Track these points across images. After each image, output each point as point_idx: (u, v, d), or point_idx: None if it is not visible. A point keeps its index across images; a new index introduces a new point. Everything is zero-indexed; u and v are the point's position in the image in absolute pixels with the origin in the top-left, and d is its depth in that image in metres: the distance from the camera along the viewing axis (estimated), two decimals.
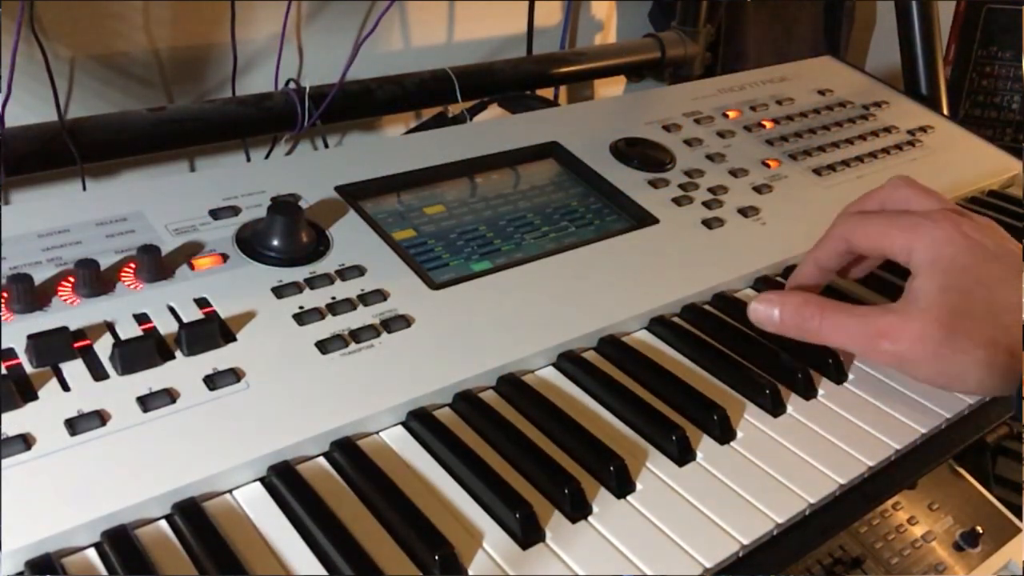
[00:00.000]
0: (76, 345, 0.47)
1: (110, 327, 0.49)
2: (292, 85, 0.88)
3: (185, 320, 0.50)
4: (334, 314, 0.53)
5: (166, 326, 0.50)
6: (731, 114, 0.84)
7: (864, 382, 0.56)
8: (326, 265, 0.56)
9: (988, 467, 0.96)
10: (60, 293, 0.50)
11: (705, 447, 0.50)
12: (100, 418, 0.44)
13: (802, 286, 0.59)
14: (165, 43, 0.86)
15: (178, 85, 0.88)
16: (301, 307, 0.53)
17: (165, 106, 0.80)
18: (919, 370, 0.50)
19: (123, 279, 0.52)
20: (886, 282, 0.66)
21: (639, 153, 0.74)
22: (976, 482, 0.86)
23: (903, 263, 0.54)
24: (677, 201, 0.70)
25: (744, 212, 0.70)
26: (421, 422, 0.49)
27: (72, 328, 0.48)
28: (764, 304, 0.54)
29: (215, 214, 0.59)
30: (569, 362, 0.55)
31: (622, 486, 0.46)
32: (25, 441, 0.42)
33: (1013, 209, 0.80)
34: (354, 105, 0.89)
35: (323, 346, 0.51)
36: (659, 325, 0.59)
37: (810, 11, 1.34)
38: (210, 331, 0.49)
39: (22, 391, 0.45)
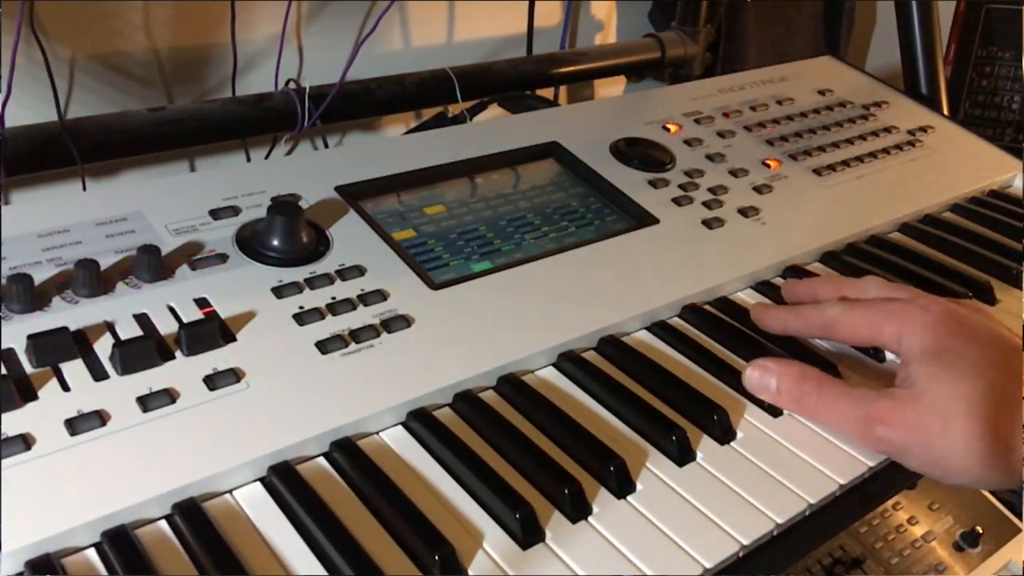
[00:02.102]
0: (76, 345, 0.47)
1: (110, 327, 0.49)
2: (292, 85, 0.88)
3: (185, 320, 0.50)
4: (334, 314, 0.53)
5: (166, 326, 0.50)
6: (731, 114, 0.84)
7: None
8: (326, 265, 0.56)
9: None
10: (60, 293, 0.50)
11: (705, 447, 0.50)
12: (100, 418, 0.44)
13: (765, 327, 0.58)
14: (165, 43, 0.86)
15: (178, 85, 0.88)
16: (301, 307, 0.53)
17: (165, 106, 0.80)
18: (912, 460, 0.49)
19: (123, 279, 0.52)
20: None
21: (639, 153, 0.74)
22: None
23: (891, 351, 0.53)
24: (677, 201, 0.70)
25: (744, 212, 0.70)
26: (421, 422, 0.49)
27: (72, 328, 0.48)
28: (760, 372, 0.53)
29: (215, 214, 0.58)
30: (569, 362, 0.55)
31: (622, 486, 0.46)
32: (25, 441, 0.42)
33: (1013, 209, 0.80)
34: (354, 105, 0.89)
35: (323, 346, 0.51)
36: (659, 325, 0.59)
37: (810, 11, 1.34)
38: (210, 331, 0.49)
39: (22, 391, 0.45)
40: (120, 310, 0.50)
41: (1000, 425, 0.46)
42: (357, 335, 0.52)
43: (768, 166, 0.77)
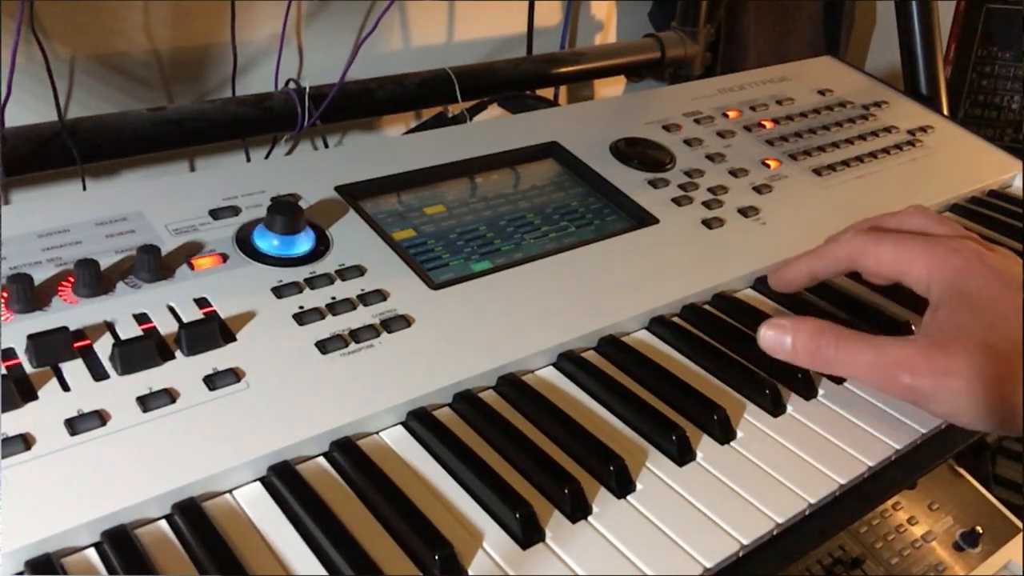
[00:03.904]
0: (76, 345, 0.47)
1: (110, 327, 0.49)
2: (292, 85, 0.88)
3: (185, 320, 0.50)
4: (334, 314, 0.53)
5: (166, 326, 0.50)
6: (731, 114, 0.84)
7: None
8: (326, 265, 0.56)
9: (988, 467, 0.96)
10: (60, 293, 0.50)
11: (705, 447, 0.50)
12: (100, 418, 0.44)
13: (788, 284, 0.58)
14: (165, 43, 0.86)
15: (178, 85, 0.88)
16: (301, 307, 0.53)
17: (165, 106, 0.80)
18: (940, 406, 0.47)
19: (123, 279, 0.52)
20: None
21: (639, 153, 0.74)
22: (976, 482, 0.86)
23: (919, 291, 0.51)
24: (677, 201, 0.70)
25: (744, 212, 0.70)
26: (421, 422, 0.49)
27: (72, 328, 0.48)
28: (775, 330, 0.51)
29: (215, 214, 0.58)
30: (569, 362, 0.55)
31: (622, 486, 0.46)
32: (25, 441, 0.42)
33: (1013, 209, 0.80)
34: (354, 105, 0.89)
35: (323, 346, 0.51)
36: (659, 325, 0.59)
37: (810, 11, 1.34)
38: (210, 331, 0.49)
39: (22, 391, 0.45)
40: (120, 310, 0.50)
41: None
42: (357, 335, 0.52)
43: (768, 166, 0.77)
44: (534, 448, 0.48)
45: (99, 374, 0.46)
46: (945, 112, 1.03)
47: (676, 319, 0.61)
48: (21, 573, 0.39)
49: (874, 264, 0.53)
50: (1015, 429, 0.47)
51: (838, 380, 0.56)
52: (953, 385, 0.46)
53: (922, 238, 0.52)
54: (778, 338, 0.51)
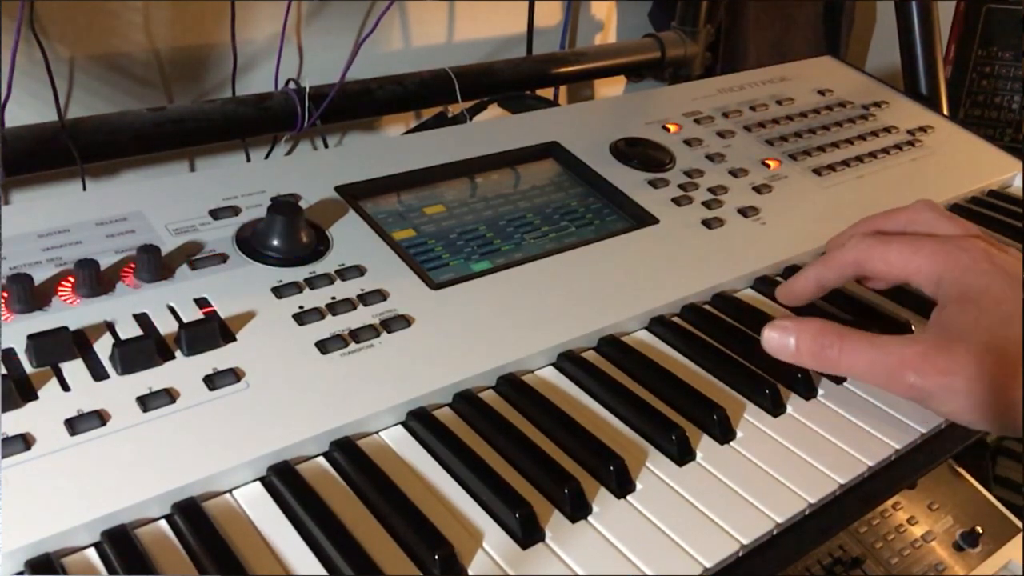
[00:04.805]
0: (76, 345, 0.47)
1: (110, 327, 0.49)
2: (292, 85, 0.88)
3: (185, 320, 0.50)
4: (334, 314, 0.53)
5: (166, 326, 0.50)
6: (731, 114, 0.84)
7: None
8: (326, 265, 0.56)
9: (988, 467, 0.96)
10: (60, 293, 0.50)
11: (705, 447, 0.50)
12: (100, 418, 0.44)
13: (797, 297, 0.58)
14: (165, 43, 0.86)
15: (178, 85, 0.88)
16: (301, 307, 0.53)
17: (165, 106, 0.80)
18: (943, 405, 0.47)
19: (123, 279, 0.52)
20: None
21: (639, 153, 0.74)
22: (976, 482, 0.86)
23: (928, 293, 0.51)
24: (677, 201, 0.70)
25: (744, 212, 0.70)
26: (421, 422, 0.49)
27: (72, 328, 0.48)
28: (779, 332, 0.51)
29: (215, 214, 0.58)
30: (569, 362, 0.55)
31: (622, 486, 0.46)
32: (25, 441, 0.42)
33: (1013, 209, 0.80)
34: (354, 105, 0.89)
35: (323, 346, 0.51)
36: (659, 325, 0.59)
37: (810, 11, 1.34)
38: (210, 331, 0.49)
39: (22, 391, 0.45)
40: (120, 310, 0.50)
41: None
42: (357, 335, 0.52)
43: (768, 166, 0.77)
44: (534, 448, 0.48)
45: (99, 374, 0.46)
46: (945, 112, 1.03)
47: (676, 319, 0.61)
48: (21, 573, 0.39)
49: (883, 267, 0.53)
50: (1016, 430, 0.47)
51: (838, 380, 0.56)
52: (956, 385, 0.46)
53: (930, 238, 0.52)
54: (782, 339, 0.51)
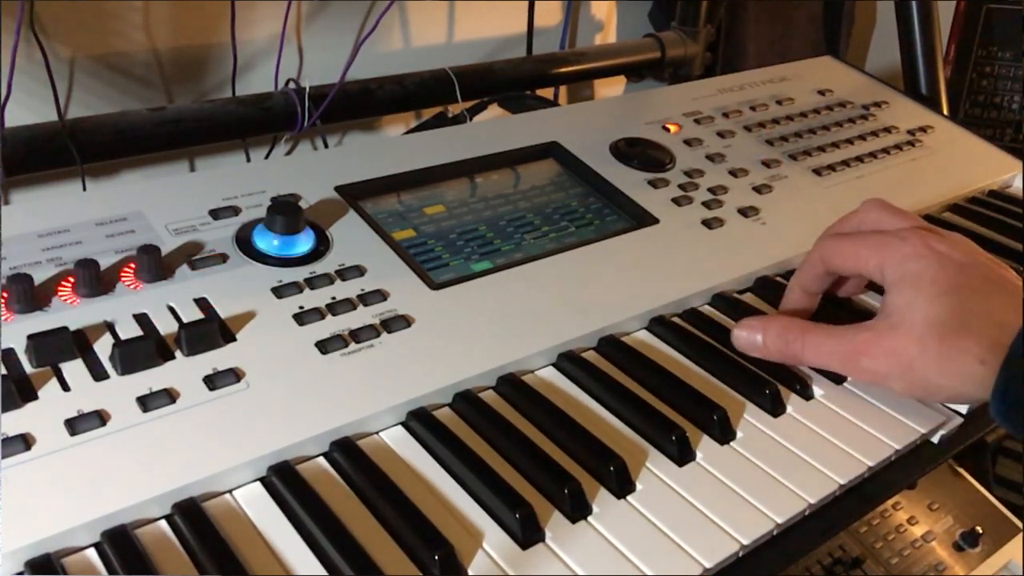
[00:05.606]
0: (76, 345, 0.47)
1: (110, 327, 0.49)
2: (292, 85, 0.88)
3: (185, 320, 0.50)
4: (334, 314, 0.53)
5: (166, 326, 0.50)
6: (731, 114, 0.84)
7: (864, 382, 0.56)
8: (326, 265, 0.56)
9: (988, 467, 0.96)
10: (60, 293, 0.50)
11: (705, 447, 0.50)
12: (100, 418, 0.44)
13: (794, 311, 0.60)
14: (165, 43, 0.86)
15: (178, 85, 0.88)
16: (301, 307, 0.53)
17: (165, 106, 0.80)
18: (896, 384, 0.51)
19: (123, 279, 0.52)
20: None
21: (639, 153, 0.74)
22: (976, 482, 0.85)
23: (877, 281, 0.54)
24: (677, 201, 0.70)
25: (744, 212, 0.70)
26: (421, 422, 0.49)
27: (72, 328, 0.48)
28: (747, 330, 0.55)
29: (215, 214, 0.59)
30: (569, 362, 0.55)
31: (622, 486, 0.46)
32: (25, 441, 0.42)
33: (1013, 209, 0.80)
34: (354, 105, 0.89)
35: (323, 346, 0.51)
36: (659, 325, 0.59)
37: (810, 11, 1.34)
38: (210, 331, 0.49)
39: (22, 391, 0.45)
40: (120, 310, 0.50)
41: (978, 344, 0.48)
42: (357, 335, 0.52)
43: (768, 166, 0.77)
44: (534, 448, 0.48)
45: (99, 374, 0.46)
46: (945, 112, 1.03)
47: (676, 319, 0.61)
48: (21, 573, 0.39)
49: (840, 262, 0.56)
50: (965, 399, 0.52)
51: (838, 380, 0.56)
52: (903, 363, 0.50)
53: (876, 233, 0.56)
54: (750, 337, 0.55)
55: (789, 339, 0.54)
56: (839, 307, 0.62)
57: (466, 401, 0.51)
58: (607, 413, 0.52)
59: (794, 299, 0.60)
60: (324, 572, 0.41)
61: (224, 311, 0.52)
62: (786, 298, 0.61)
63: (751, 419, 0.52)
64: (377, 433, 0.49)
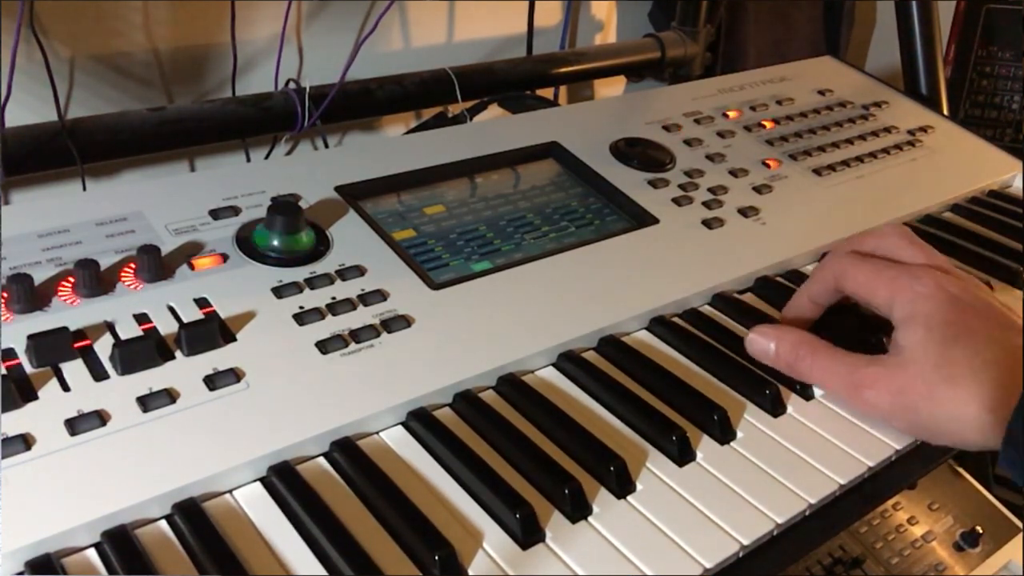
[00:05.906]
0: (76, 345, 0.47)
1: (110, 327, 0.49)
2: (292, 85, 0.88)
3: (185, 320, 0.50)
4: (334, 314, 0.53)
5: (166, 326, 0.50)
6: (731, 114, 0.84)
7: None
8: (326, 265, 0.56)
9: (988, 467, 0.96)
10: (60, 293, 0.50)
11: (705, 447, 0.50)
12: (100, 418, 0.44)
13: (797, 318, 0.59)
14: (165, 43, 0.86)
15: (178, 85, 0.88)
16: (301, 307, 0.53)
17: (165, 106, 0.80)
18: (898, 423, 0.51)
19: (123, 279, 0.52)
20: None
21: (639, 153, 0.74)
22: (976, 482, 0.86)
23: (884, 314, 0.54)
24: (677, 201, 0.70)
25: (744, 212, 0.70)
26: (421, 422, 0.49)
27: (72, 328, 0.48)
28: (762, 337, 0.55)
29: (215, 214, 0.59)
30: (569, 362, 0.55)
31: (622, 486, 0.46)
32: (25, 441, 0.42)
33: (1013, 209, 0.80)
34: (354, 105, 0.89)
35: (323, 346, 0.51)
36: (659, 325, 0.59)
37: (810, 11, 1.34)
38: (210, 331, 0.49)
39: (22, 391, 0.45)
40: (120, 310, 0.50)
41: (985, 390, 0.48)
42: (357, 335, 0.52)
43: (768, 166, 0.77)
44: (534, 448, 0.48)
45: (99, 374, 0.46)
46: (945, 112, 1.03)
47: (676, 319, 0.61)
48: (21, 573, 0.39)
49: (852, 286, 0.56)
50: (968, 445, 0.50)
51: None
52: (908, 402, 0.50)
53: (892, 266, 0.55)
54: (763, 344, 0.55)
55: (800, 354, 0.54)
56: (846, 311, 0.61)
57: (466, 401, 0.51)
58: (607, 413, 0.52)
59: (800, 306, 0.60)
60: (324, 572, 0.41)
61: (224, 311, 0.52)
62: (792, 304, 0.60)
63: (751, 419, 0.52)
64: (377, 433, 0.49)
